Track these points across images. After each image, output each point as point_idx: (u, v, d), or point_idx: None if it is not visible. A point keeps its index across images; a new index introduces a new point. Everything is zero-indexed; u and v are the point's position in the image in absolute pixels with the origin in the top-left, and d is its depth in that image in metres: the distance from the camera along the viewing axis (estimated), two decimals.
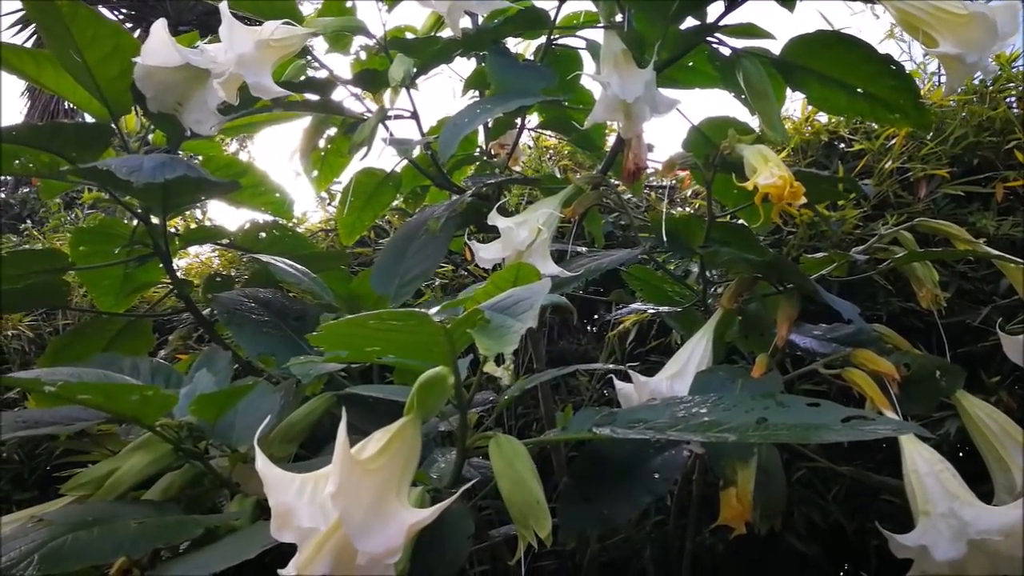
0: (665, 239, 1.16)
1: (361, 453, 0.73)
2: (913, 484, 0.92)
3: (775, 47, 1.30)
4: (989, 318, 1.59)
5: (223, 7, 1.13)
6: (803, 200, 0.97)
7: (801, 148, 1.97)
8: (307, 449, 1.23)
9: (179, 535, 0.84)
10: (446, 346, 0.75)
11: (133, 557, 0.83)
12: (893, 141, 1.81)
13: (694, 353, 1.13)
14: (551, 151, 2.34)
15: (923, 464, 0.92)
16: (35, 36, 9.16)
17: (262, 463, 0.69)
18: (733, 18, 1.27)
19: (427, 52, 1.32)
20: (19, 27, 10.10)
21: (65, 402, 1.09)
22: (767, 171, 0.98)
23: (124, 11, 10.24)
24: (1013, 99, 1.92)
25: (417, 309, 0.65)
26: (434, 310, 0.68)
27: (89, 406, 0.93)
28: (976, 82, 1.93)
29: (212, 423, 1.04)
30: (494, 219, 1.13)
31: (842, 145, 1.98)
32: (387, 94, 1.49)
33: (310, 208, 2.69)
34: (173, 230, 1.71)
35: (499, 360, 0.77)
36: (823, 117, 1.99)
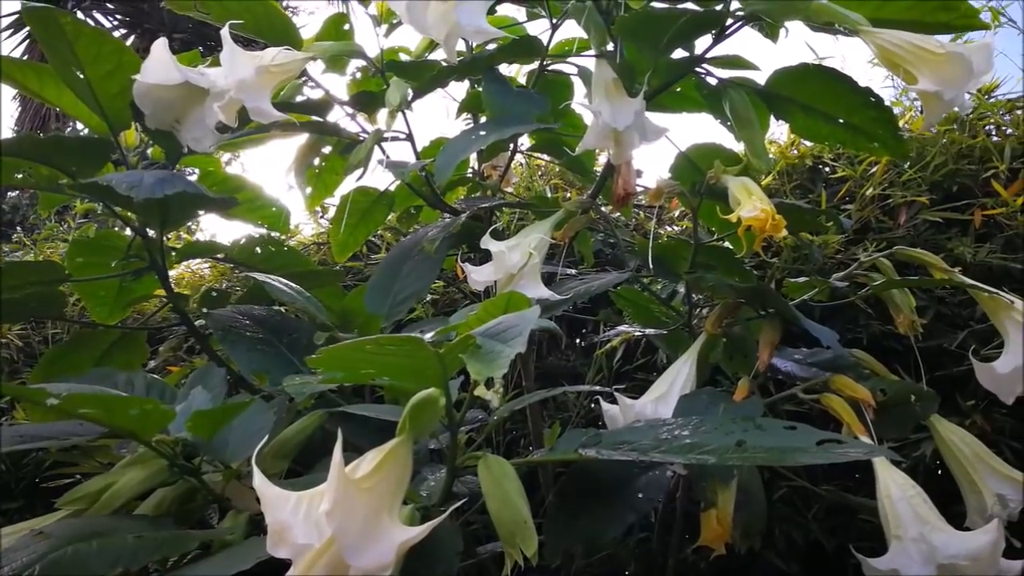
0: (652, 265, 1.20)
1: (355, 472, 0.76)
2: (886, 509, 0.95)
3: (761, 77, 1.35)
4: (966, 342, 1.63)
5: (224, 33, 1.16)
6: (784, 232, 1.00)
7: (787, 171, 2.01)
8: (299, 464, 1.26)
9: (176, 549, 0.86)
10: (438, 370, 0.78)
11: (131, 570, 0.86)
12: (875, 168, 1.86)
13: (678, 376, 1.16)
14: (542, 169, 2.38)
15: (896, 490, 0.95)
16: (29, 39, 9.17)
17: (260, 481, 0.72)
18: (721, 50, 1.31)
19: (423, 77, 1.36)
20: (11, 30, 10.11)
21: (61, 416, 1.11)
22: (750, 204, 1.02)
23: (119, 17, 10.24)
24: (992, 127, 1.97)
25: (413, 335, 0.68)
26: (427, 336, 0.71)
27: (89, 420, 0.95)
28: (955, 109, 1.98)
29: (207, 439, 1.06)
30: (487, 243, 1.17)
31: (827, 169, 2.02)
32: (382, 114, 1.52)
33: (303, 221, 2.71)
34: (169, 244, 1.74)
35: (489, 383, 0.79)
36: (808, 142, 2.04)
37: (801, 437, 0.87)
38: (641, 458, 0.88)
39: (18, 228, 4.59)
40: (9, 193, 6.50)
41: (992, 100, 2.00)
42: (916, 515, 0.93)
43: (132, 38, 10.12)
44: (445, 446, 0.98)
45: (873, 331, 1.75)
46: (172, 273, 2.63)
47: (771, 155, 2.07)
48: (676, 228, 2.25)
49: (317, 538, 0.69)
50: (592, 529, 1.03)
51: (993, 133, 1.96)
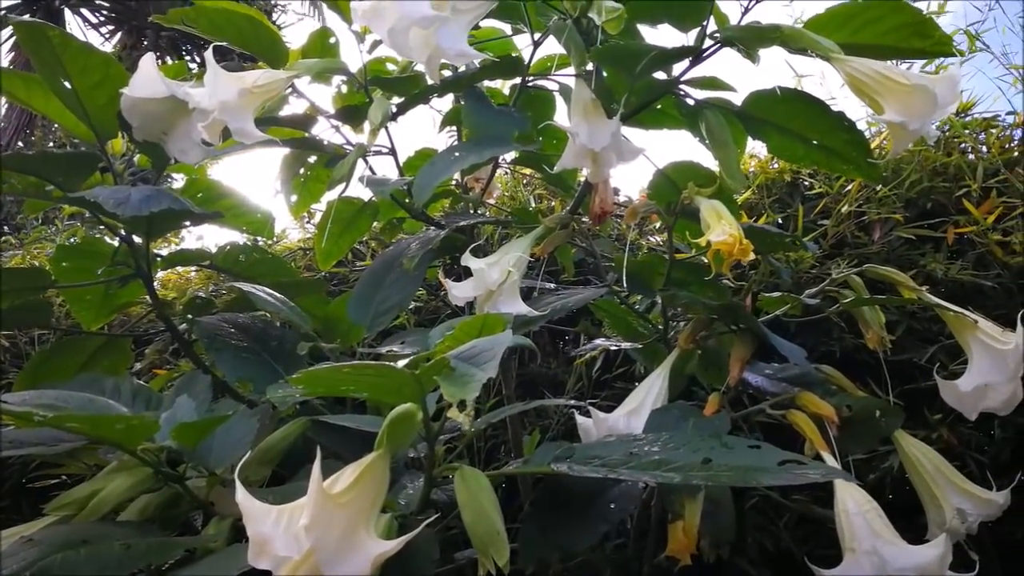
0: (626, 282, 1.23)
1: (333, 487, 0.79)
2: (842, 522, 0.99)
3: (738, 97, 1.38)
4: (935, 357, 1.67)
5: (208, 56, 1.18)
6: (751, 256, 1.04)
7: (766, 186, 2.05)
8: (283, 468, 1.28)
9: (162, 556, 0.89)
10: (415, 388, 0.81)
11: None
12: (850, 185, 1.90)
13: (651, 391, 1.20)
14: (527, 179, 2.41)
15: (852, 504, 1.00)
16: (14, 40, 9.11)
17: (242, 495, 0.75)
18: (699, 71, 1.35)
19: (406, 92, 1.38)
20: None
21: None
22: (719, 228, 1.05)
23: (106, 14, 10.20)
24: (968, 146, 2.02)
25: (390, 364, 0.71)
26: (401, 363, 0.74)
27: (74, 433, 0.98)
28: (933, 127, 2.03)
29: (191, 447, 1.09)
30: (467, 260, 1.20)
31: (806, 184, 2.06)
32: (367, 128, 1.55)
33: (290, 226, 2.74)
34: (156, 249, 1.76)
35: (462, 405, 0.83)
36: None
37: (765, 456, 0.91)
38: (610, 474, 0.91)
39: (3, 227, 4.59)
40: None
41: (968, 119, 2.05)
42: (871, 529, 0.97)
43: (119, 35, 10.10)
44: (423, 456, 1.01)
45: (846, 344, 1.79)
46: (160, 274, 2.67)
47: (751, 169, 2.11)
48: (658, 239, 2.29)
49: (296, 550, 0.72)
50: (564, 539, 1.06)
51: (968, 151, 2.01)
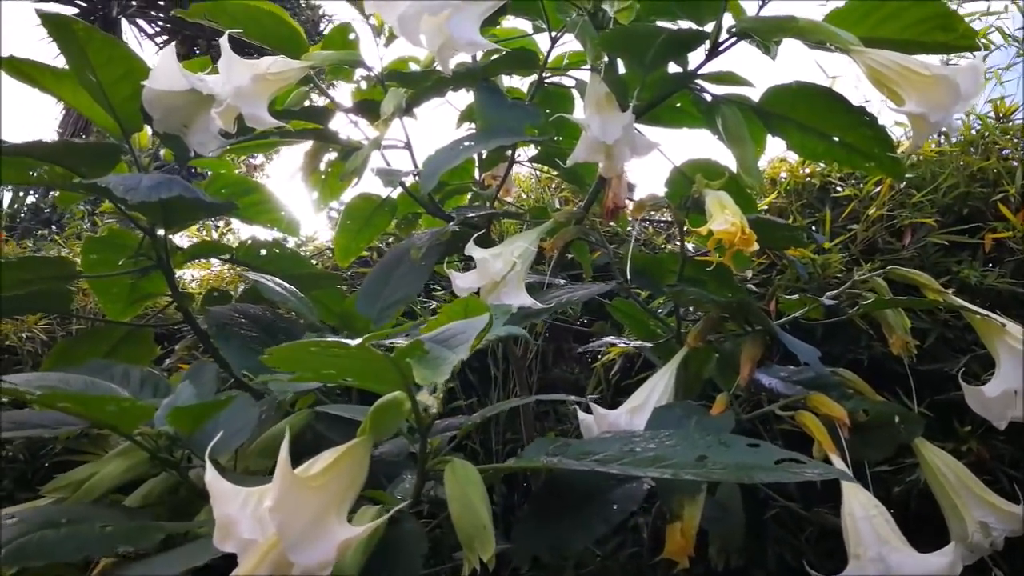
0: (630, 277, 1.20)
1: (308, 470, 0.78)
2: (848, 527, 0.95)
3: (756, 94, 1.35)
4: (968, 367, 1.61)
5: (223, 41, 1.19)
6: (755, 247, 1.01)
7: (795, 190, 2.00)
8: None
9: (141, 539, 0.88)
10: (395, 373, 0.79)
11: (95, 558, 0.88)
12: (880, 188, 1.84)
13: (655, 388, 1.17)
14: (554, 181, 2.39)
15: (859, 509, 0.96)
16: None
17: (211, 476, 0.74)
18: (715, 65, 1.32)
19: (420, 86, 1.38)
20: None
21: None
22: (721, 217, 1.02)
23: (160, 24, 10.46)
24: (1009, 151, 1.95)
25: (359, 344, 0.69)
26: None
27: (68, 414, 0.98)
28: (974, 132, 1.96)
29: (189, 434, 1.08)
30: (471, 250, 1.18)
31: (837, 188, 2.01)
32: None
33: (322, 226, 2.76)
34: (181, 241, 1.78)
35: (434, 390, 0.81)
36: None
37: (761, 455, 0.87)
38: (600, 469, 0.88)
39: (55, 227, 4.71)
40: (51, 193, 6.66)
41: (1012, 123, 1.98)
42: (877, 534, 0.93)
43: (174, 43, 10.34)
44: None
45: (875, 352, 1.73)
46: (196, 273, 2.70)
47: (782, 174, 2.06)
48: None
49: (261, 533, 0.71)
50: (559, 537, 1.03)
51: (1009, 155, 1.94)
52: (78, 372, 1.23)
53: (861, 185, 1.88)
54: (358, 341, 0.70)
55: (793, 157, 2.04)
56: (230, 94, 1.19)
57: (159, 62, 1.37)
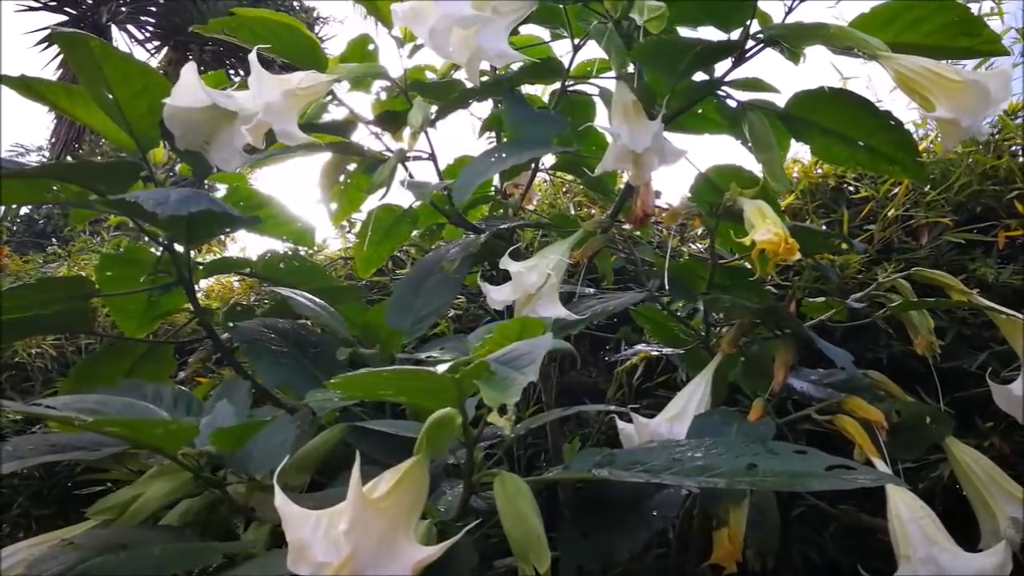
0: (668, 285, 1.21)
1: (373, 492, 0.78)
2: (896, 529, 0.96)
3: (781, 99, 1.36)
4: (986, 364, 1.62)
5: (252, 57, 1.19)
6: (797, 256, 1.02)
7: (810, 191, 2.01)
8: (322, 475, 1.28)
9: (199, 561, 0.89)
10: (454, 392, 0.80)
11: None
12: (897, 188, 1.86)
13: (693, 396, 1.17)
14: (566, 187, 2.40)
15: (906, 511, 0.97)
16: (59, 56, 9.29)
17: (281, 500, 0.74)
18: (741, 72, 1.33)
19: (446, 97, 1.38)
20: (45, 44, 10.26)
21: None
22: (764, 228, 1.03)
23: (151, 29, 10.41)
24: (1018, 148, 1.97)
25: (429, 369, 0.70)
26: (442, 367, 0.73)
27: (116, 438, 0.98)
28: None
29: (231, 452, 1.09)
30: (506, 263, 1.19)
31: (850, 189, 2.02)
32: (406, 133, 1.54)
33: (331, 236, 2.75)
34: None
35: (503, 410, 0.82)
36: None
37: (811, 462, 0.88)
38: (652, 479, 0.89)
39: (52, 239, 4.68)
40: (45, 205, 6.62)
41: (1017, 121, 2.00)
42: (925, 535, 0.94)
43: (165, 50, 10.29)
44: (463, 462, 1.00)
45: (894, 351, 1.75)
46: (202, 285, 2.70)
47: (795, 174, 2.08)
48: (699, 247, 2.26)
49: (336, 556, 0.71)
50: (605, 546, 1.04)
51: (1019, 153, 1.96)
52: (109, 393, 1.24)
53: (877, 185, 1.89)
54: (440, 369, 0.70)
55: (806, 158, 2.06)
56: (261, 110, 1.19)
57: (181, 79, 1.37)
